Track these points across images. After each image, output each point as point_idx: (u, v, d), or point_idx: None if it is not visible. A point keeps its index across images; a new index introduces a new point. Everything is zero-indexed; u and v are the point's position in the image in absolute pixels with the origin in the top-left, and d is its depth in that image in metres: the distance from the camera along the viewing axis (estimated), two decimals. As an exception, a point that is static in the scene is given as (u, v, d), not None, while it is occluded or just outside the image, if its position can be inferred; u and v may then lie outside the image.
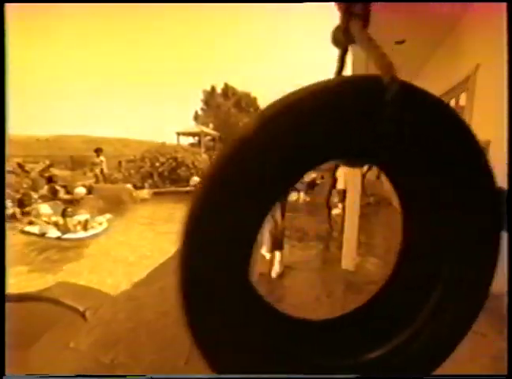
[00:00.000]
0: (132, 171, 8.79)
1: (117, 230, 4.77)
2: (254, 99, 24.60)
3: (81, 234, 4.34)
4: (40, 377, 1.30)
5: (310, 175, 7.30)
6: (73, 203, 6.57)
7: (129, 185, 7.99)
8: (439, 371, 0.46)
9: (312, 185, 6.79)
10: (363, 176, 6.30)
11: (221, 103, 22.36)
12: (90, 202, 6.86)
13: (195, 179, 8.39)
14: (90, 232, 4.41)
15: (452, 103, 3.14)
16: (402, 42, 3.34)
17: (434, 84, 3.60)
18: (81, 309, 1.88)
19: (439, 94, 3.32)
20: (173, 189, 8.30)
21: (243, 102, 23.74)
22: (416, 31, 3.06)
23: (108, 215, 5.13)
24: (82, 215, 4.74)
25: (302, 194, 7.02)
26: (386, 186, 6.57)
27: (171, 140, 14.48)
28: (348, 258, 2.71)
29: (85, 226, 4.44)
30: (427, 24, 2.89)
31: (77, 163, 11.16)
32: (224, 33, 45.43)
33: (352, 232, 2.67)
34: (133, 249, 3.96)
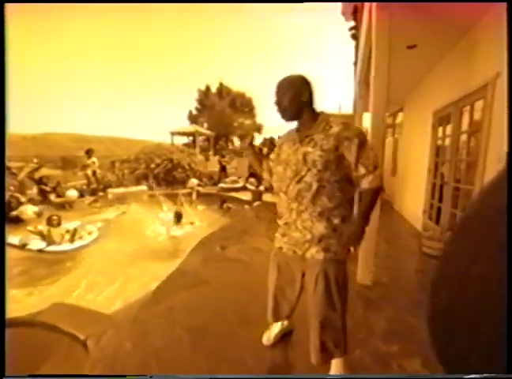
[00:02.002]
0: (126, 172, 8.49)
1: (111, 239, 4.45)
2: (249, 100, 24.44)
3: (66, 246, 3.87)
4: (40, 377, 1.33)
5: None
6: (65, 207, 6.26)
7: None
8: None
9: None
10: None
11: (216, 103, 22.12)
12: (82, 206, 6.56)
13: (193, 181, 8.15)
14: (76, 244, 3.95)
15: (466, 110, 3.06)
16: (414, 46, 3.24)
17: (445, 89, 3.52)
18: (82, 337, 1.69)
19: (452, 100, 3.23)
20: (169, 191, 8.05)
21: (238, 102, 23.55)
22: (429, 34, 2.96)
23: (100, 224, 4.82)
24: (71, 223, 4.37)
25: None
26: (387, 189, 6.52)
27: (164, 139, 14.18)
28: (365, 271, 2.58)
29: (73, 236, 4.00)
30: (439, 27, 2.80)
31: (67, 163, 10.74)
32: (220, 33, 45.07)
33: (369, 242, 2.54)
34: (129, 261, 3.73)
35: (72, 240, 3.92)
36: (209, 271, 2.95)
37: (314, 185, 1.20)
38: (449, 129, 3.46)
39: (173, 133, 15.32)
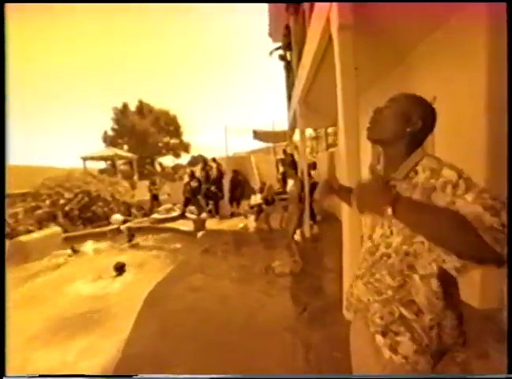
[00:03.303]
0: (20, 215, 6.49)
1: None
2: (174, 118, 23.33)
3: None
4: (40, 377, 1.33)
5: (257, 199, 6.93)
6: None
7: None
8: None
9: (261, 210, 6.41)
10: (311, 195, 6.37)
11: (136, 122, 20.18)
12: None
13: (116, 218, 6.80)
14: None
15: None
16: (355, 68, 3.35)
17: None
18: None
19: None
20: (89, 230, 6.51)
21: (162, 120, 22.14)
22: (369, 57, 3.09)
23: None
24: None
25: (251, 220, 6.53)
26: (332, 202, 6.80)
27: (71, 164, 11.86)
28: (353, 307, 2.32)
29: None
30: (379, 51, 2.94)
31: None
32: (135, 48, 42.05)
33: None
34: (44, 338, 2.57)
35: None
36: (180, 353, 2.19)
37: (381, 250, 0.85)
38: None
39: (85, 158, 13.05)
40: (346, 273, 2.33)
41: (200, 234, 6.04)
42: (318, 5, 2.67)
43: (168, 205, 8.68)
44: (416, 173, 0.80)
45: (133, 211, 8.11)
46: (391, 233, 0.83)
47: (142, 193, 9.79)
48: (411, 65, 2.94)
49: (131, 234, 6.16)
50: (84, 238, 6.35)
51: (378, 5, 2.13)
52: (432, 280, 0.78)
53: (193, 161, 25.11)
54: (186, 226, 6.91)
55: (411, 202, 0.73)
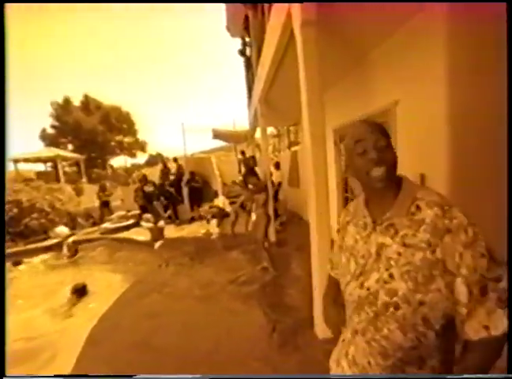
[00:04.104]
0: None
1: None
2: (127, 115, 21.54)
3: None
4: (40, 377, 1.51)
5: (219, 201, 6.58)
6: None
7: None
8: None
9: (224, 214, 6.09)
10: (275, 197, 6.23)
11: (82, 119, 18.11)
12: None
13: (60, 230, 5.91)
14: None
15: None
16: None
17: (344, 109, 3.72)
18: None
19: (352, 120, 3.41)
20: (21, 248, 5.53)
21: (112, 117, 20.25)
22: (329, 55, 2.97)
23: None
24: None
25: (214, 225, 6.18)
26: (296, 201, 6.76)
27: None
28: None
29: None
30: (340, 50, 2.83)
31: None
32: (80, 36, 37.52)
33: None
34: None
35: None
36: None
37: (382, 299, 0.67)
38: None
39: (16, 161, 11.27)
40: (315, 280, 2.17)
41: (158, 244, 5.52)
42: (277, -4, 2.44)
43: (121, 213, 7.88)
44: (419, 208, 0.68)
45: (80, 221, 7.16)
46: (391, 277, 0.67)
47: (91, 199, 8.74)
48: (372, 65, 2.89)
49: (75, 248, 5.38)
50: (14, 256, 5.38)
51: (340, 3, 1.97)
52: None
53: (152, 160, 23.61)
54: (142, 235, 6.30)
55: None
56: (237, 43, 6.76)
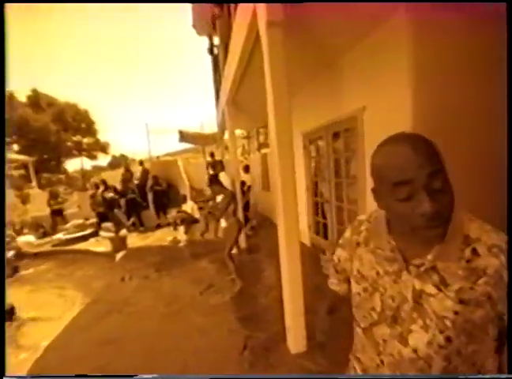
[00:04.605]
0: None
1: None
2: (85, 113, 19.92)
3: None
4: (40, 376, 1.52)
5: (187, 206, 6.28)
6: None
7: None
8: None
9: (193, 220, 5.81)
10: (245, 200, 6.09)
11: (30, 117, 16.29)
12: None
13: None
14: None
15: (329, 138, 3.30)
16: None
17: (312, 113, 3.71)
18: None
19: (320, 124, 3.41)
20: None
21: (68, 115, 18.57)
22: (297, 58, 2.92)
23: None
24: None
25: (181, 232, 5.87)
26: (266, 206, 6.69)
27: None
28: (298, 336, 2.09)
29: None
30: (308, 53, 2.79)
31: None
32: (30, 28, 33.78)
33: (297, 301, 2.05)
34: None
35: None
36: None
37: (438, 365, 0.55)
38: (320, 150, 3.68)
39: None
40: (286, 289, 2.08)
41: (119, 255, 5.09)
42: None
43: (78, 221, 7.18)
44: (477, 254, 0.53)
45: (26, 232, 6.36)
46: (448, 341, 0.54)
47: (41, 206, 7.84)
48: (340, 70, 2.89)
49: (14, 266, 4.73)
50: None
51: (307, 4, 1.90)
52: None
53: (115, 163, 22.07)
54: (102, 246, 5.78)
55: None
56: (206, 41, 6.52)
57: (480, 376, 0.54)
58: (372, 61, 2.38)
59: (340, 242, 0.80)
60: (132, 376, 0.78)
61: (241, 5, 2.37)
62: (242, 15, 2.36)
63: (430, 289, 0.56)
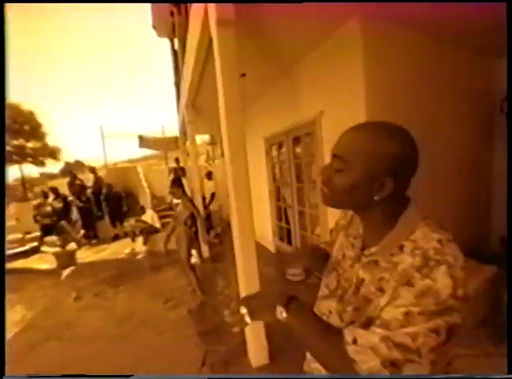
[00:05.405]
0: None
1: None
2: (30, 114, 17.99)
3: None
4: (40, 377, 1.49)
5: (147, 216, 5.90)
6: None
7: None
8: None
9: (153, 230, 5.46)
10: (207, 208, 5.90)
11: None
12: None
13: None
14: None
15: (288, 142, 3.34)
16: (243, 75, 3.13)
17: (273, 119, 3.73)
18: None
19: (281, 129, 3.43)
20: None
21: (10, 117, 16.57)
22: (257, 65, 2.92)
23: None
24: None
25: (139, 243, 5.47)
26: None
27: None
28: (259, 348, 2.00)
29: None
30: (267, 59, 2.80)
31: None
32: None
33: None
34: None
35: None
36: None
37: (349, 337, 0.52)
38: (282, 155, 3.69)
39: None
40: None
41: (66, 272, 4.55)
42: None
43: (17, 235, 6.33)
44: (401, 250, 0.54)
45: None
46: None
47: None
48: (298, 76, 2.93)
49: None
50: None
51: (260, 4, 1.88)
52: None
53: (68, 169, 20.13)
54: (46, 262, 5.13)
55: (306, 314, 0.59)
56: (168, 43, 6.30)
57: (480, 376, 0.58)
58: (327, 66, 2.44)
59: (330, 227, 0.88)
60: (129, 376, 0.78)
61: (194, 5, 2.29)
62: (195, 14, 2.28)
63: (367, 277, 0.59)
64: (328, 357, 0.53)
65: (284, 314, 0.58)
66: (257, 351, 1.99)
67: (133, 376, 0.80)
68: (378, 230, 0.59)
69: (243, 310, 0.65)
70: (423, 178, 2.28)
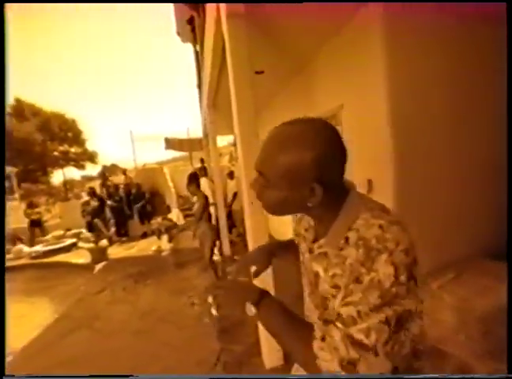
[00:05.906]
0: None
1: None
2: (72, 122, 19.66)
3: None
4: (40, 377, 1.43)
5: (173, 215, 6.11)
6: None
7: None
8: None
9: (180, 228, 5.64)
10: (230, 206, 5.97)
11: (14, 127, 15.91)
12: None
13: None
14: None
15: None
16: (261, 72, 3.10)
17: (290, 116, 3.65)
18: None
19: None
20: None
21: (55, 125, 18.27)
22: (274, 61, 2.87)
23: None
24: None
25: (164, 241, 5.68)
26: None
27: None
28: (273, 349, 1.95)
29: None
30: (284, 55, 2.74)
31: None
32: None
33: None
34: None
35: None
36: None
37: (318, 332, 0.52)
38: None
39: None
40: None
41: (98, 266, 4.86)
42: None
43: (59, 232, 6.92)
44: (348, 243, 0.53)
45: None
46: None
47: (20, 218, 7.53)
48: (313, 73, 2.84)
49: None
50: None
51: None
52: None
53: (103, 172, 21.68)
54: (82, 257, 5.54)
55: (277, 310, 0.59)
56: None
57: (480, 376, 0.59)
58: (345, 58, 2.32)
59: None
60: (128, 376, 0.78)
61: (208, 5, 2.32)
62: (210, 14, 2.31)
63: (321, 272, 0.59)
64: (295, 351, 0.53)
65: (254, 310, 0.58)
66: (271, 352, 1.95)
67: (133, 376, 0.81)
68: (325, 223, 0.58)
69: (210, 300, 0.65)
70: (448, 176, 2.06)
